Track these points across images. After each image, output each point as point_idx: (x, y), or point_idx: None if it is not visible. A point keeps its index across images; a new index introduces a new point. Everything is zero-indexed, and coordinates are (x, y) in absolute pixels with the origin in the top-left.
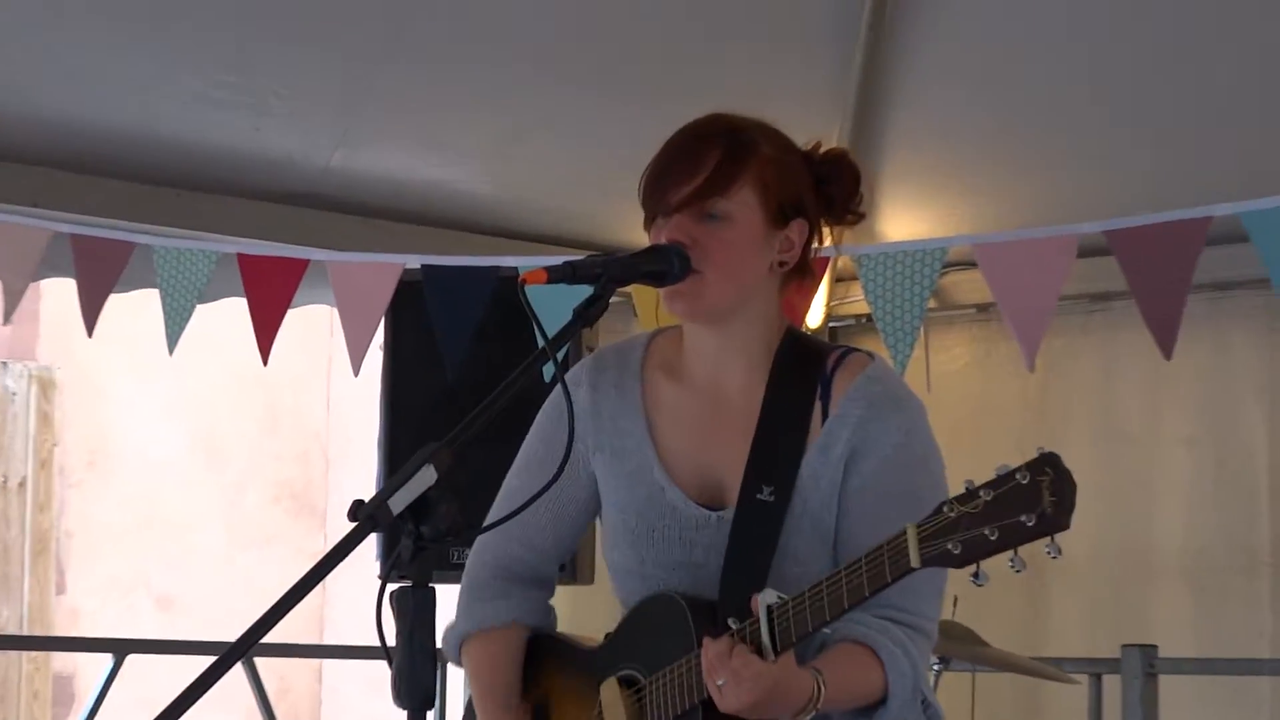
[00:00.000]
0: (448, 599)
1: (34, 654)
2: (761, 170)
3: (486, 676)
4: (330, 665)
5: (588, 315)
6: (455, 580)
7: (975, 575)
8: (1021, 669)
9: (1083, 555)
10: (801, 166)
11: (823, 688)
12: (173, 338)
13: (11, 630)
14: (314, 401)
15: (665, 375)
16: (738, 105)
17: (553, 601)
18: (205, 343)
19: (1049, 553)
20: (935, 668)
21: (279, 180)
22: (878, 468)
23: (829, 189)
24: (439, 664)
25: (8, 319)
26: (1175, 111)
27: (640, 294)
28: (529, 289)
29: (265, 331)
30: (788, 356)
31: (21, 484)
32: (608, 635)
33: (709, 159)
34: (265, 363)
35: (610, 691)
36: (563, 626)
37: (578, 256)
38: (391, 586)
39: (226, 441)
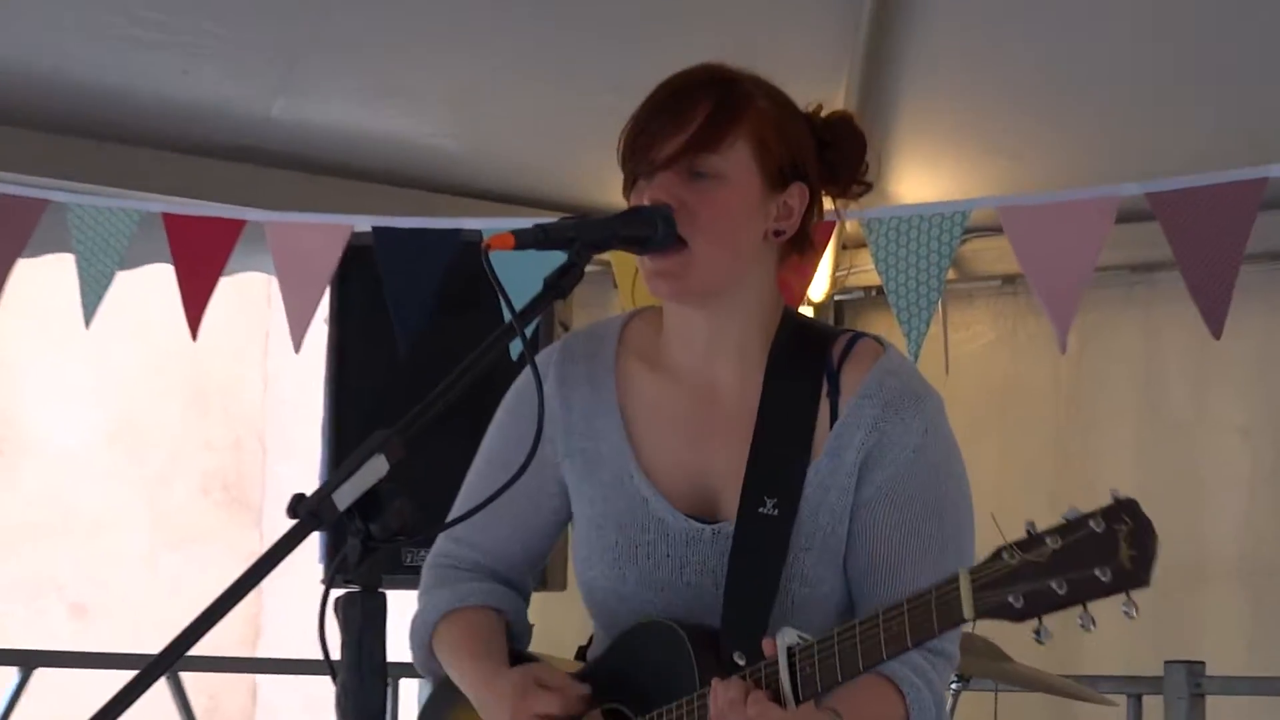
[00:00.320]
0: (400, 606)
1: None
2: (758, 124)
3: (473, 644)
4: (266, 681)
5: (560, 286)
6: (409, 585)
7: (1037, 633)
8: (1051, 688)
9: None
10: (803, 124)
11: None
12: (89, 309)
13: None
14: (249, 381)
15: (644, 365)
16: (734, 45)
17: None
18: (126, 315)
19: (1125, 612)
20: (954, 686)
21: (211, 131)
22: (895, 474)
23: (831, 155)
24: (389, 680)
25: None
26: (1229, 62)
27: (620, 262)
28: (494, 255)
29: (194, 302)
30: (786, 343)
31: None
32: (584, 655)
33: (699, 110)
34: (194, 337)
35: None
36: (532, 638)
37: (549, 219)
38: (336, 592)
39: (149, 427)
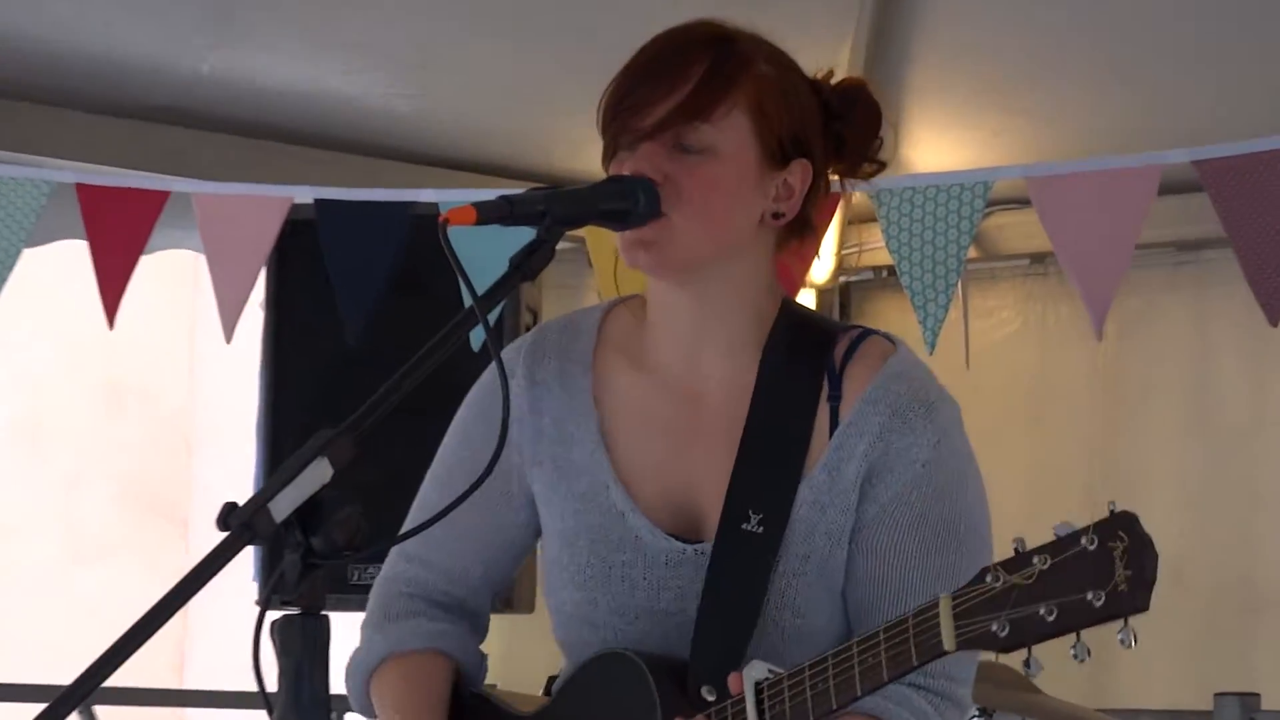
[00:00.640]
0: (346, 631)
1: None
2: (757, 91)
3: (408, 701)
4: (193, 716)
5: (527, 266)
6: (356, 607)
7: (1026, 664)
8: None
9: (1165, 579)
10: (809, 92)
11: None
12: None
13: None
14: (174, 374)
15: (625, 361)
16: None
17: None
18: (33, 298)
19: (1121, 640)
20: None
21: (134, 90)
22: (901, 492)
23: (840, 128)
24: (332, 714)
25: None
26: None
27: (595, 240)
28: (452, 231)
29: (111, 284)
30: (784, 339)
31: None
32: (550, 688)
33: (690, 73)
34: (111, 324)
35: None
36: (497, 665)
37: (516, 190)
38: (273, 614)
39: (59, 425)
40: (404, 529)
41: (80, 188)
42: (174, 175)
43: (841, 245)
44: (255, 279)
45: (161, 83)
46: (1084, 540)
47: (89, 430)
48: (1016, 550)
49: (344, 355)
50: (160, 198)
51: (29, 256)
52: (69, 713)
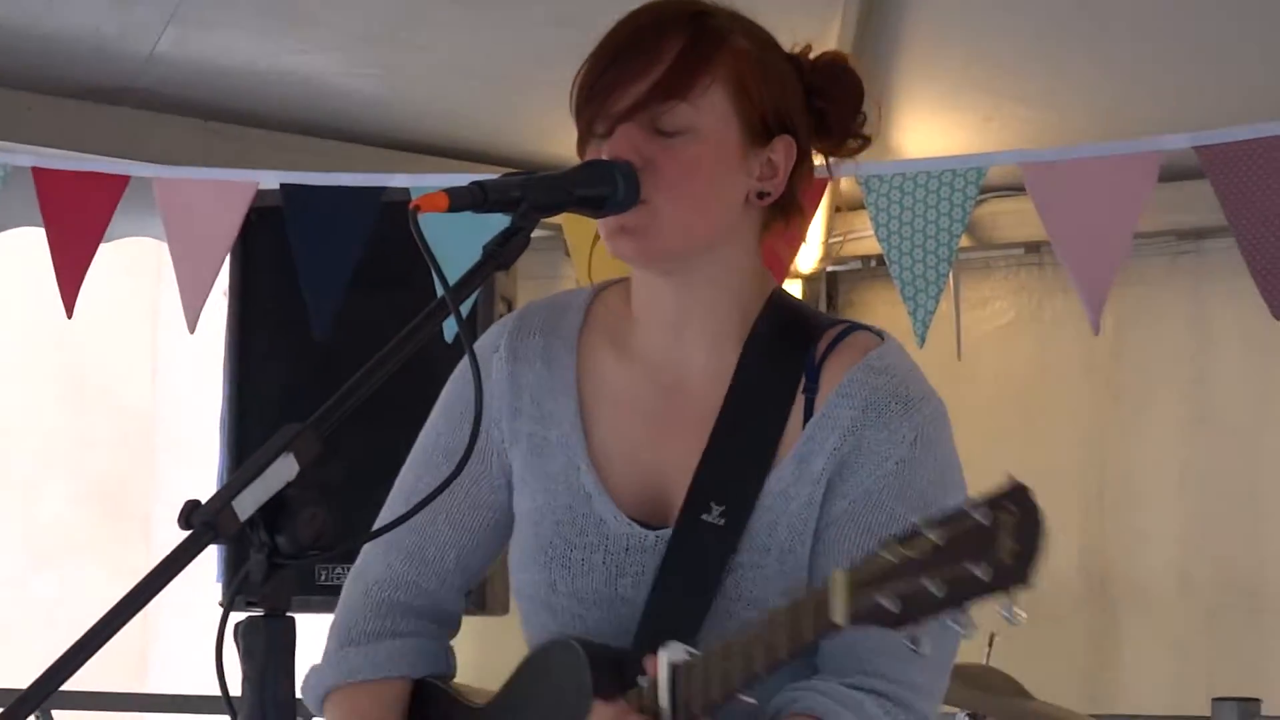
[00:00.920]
0: (312, 632)
1: None
2: (736, 66)
3: None
4: None
5: (502, 255)
6: (324, 609)
7: (914, 642)
8: None
9: (1165, 581)
10: (788, 67)
11: None
12: None
13: None
14: (135, 368)
15: (610, 345)
16: None
17: (455, 639)
18: None
19: (1005, 616)
20: None
21: (87, 70)
22: (870, 490)
23: (821, 104)
24: (298, 718)
25: None
26: None
27: (573, 227)
28: (423, 218)
29: (70, 272)
30: (768, 328)
31: None
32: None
33: (665, 51)
34: (69, 315)
35: None
36: (469, 668)
37: (489, 175)
38: (237, 616)
39: (17, 424)
40: (383, 512)
41: (37, 172)
42: (133, 159)
43: (829, 233)
44: (219, 267)
45: (116, 62)
46: (976, 514)
47: (48, 427)
48: (914, 526)
49: (311, 347)
50: (120, 182)
51: None
52: (26, 717)
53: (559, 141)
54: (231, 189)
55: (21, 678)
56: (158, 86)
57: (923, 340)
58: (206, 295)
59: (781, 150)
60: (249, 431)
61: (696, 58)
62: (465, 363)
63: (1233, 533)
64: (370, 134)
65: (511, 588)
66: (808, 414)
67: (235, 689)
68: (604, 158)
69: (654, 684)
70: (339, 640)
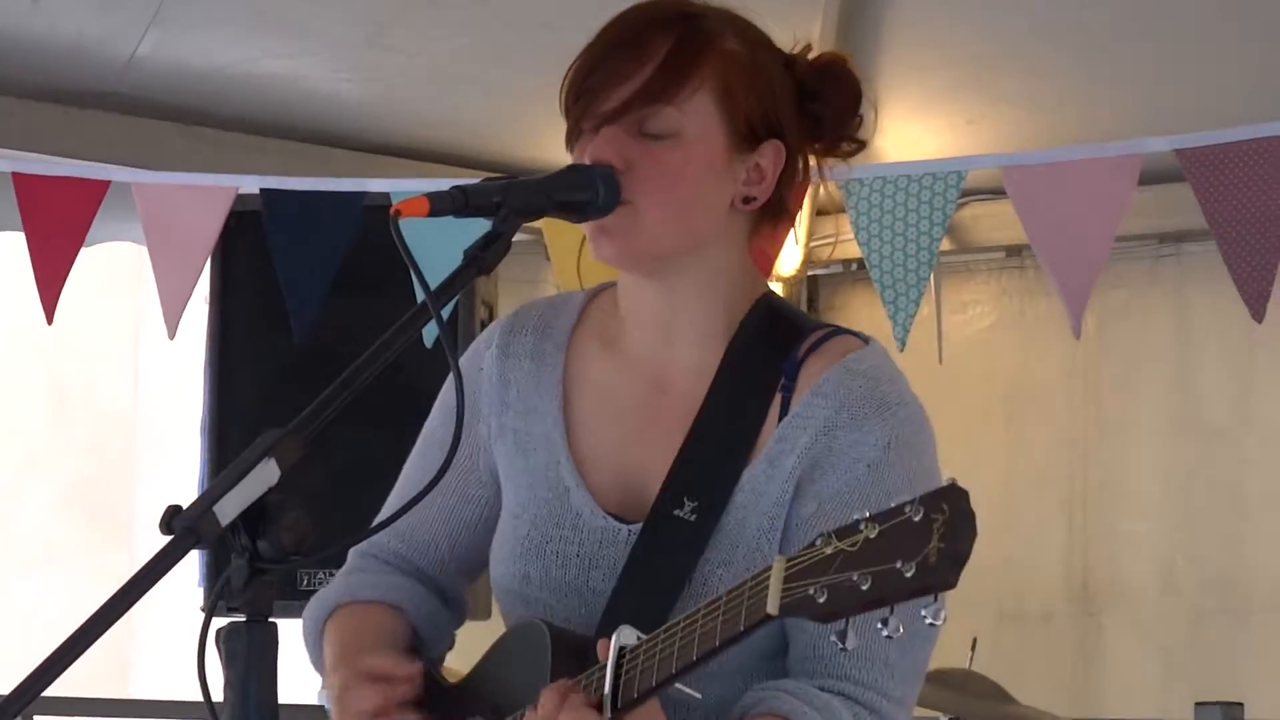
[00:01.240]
0: (295, 637)
1: None
2: (724, 70)
3: (355, 638)
4: None
5: (483, 259)
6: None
7: (841, 637)
8: None
9: (1149, 584)
10: (780, 71)
11: None
12: None
13: None
14: (116, 373)
15: (600, 346)
16: None
17: None
18: None
19: (926, 619)
20: None
21: (67, 74)
22: (839, 491)
23: (816, 106)
24: None
25: None
26: (1276, 3)
27: (554, 232)
28: (404, 223)
29: (50, 278)
30: (753, 329)
31: None
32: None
33: (653, 52)
34: (50, 320)
35: None
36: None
37: (470, 180)
38: (219, 622)
39: None
40: (390, 499)
41: (17, 177)
42: (113, 164)
43: (809, 237)
44: (200, 273)
45: (97, 67)
46: (908, 510)
47: (28, 433)
48: (853, 520)
49: (292, 352)
50: (100, 187)
51: None
52: None
53: (540, 146)
54: (212, 193)
55: (3, 684)
56: (138, 91)
57: (904, 344)
58: (187, 300)
59: (770, 155)
60: (230, 437)
61: (683, 61)
62: (466, 357)
63: (1216, 535)
64: (351, 138)
65: (492, 581)
66: (783, 412)
67: (218, 694)
68: (587, 160)
69: (601, 667)
70: (339, 577)
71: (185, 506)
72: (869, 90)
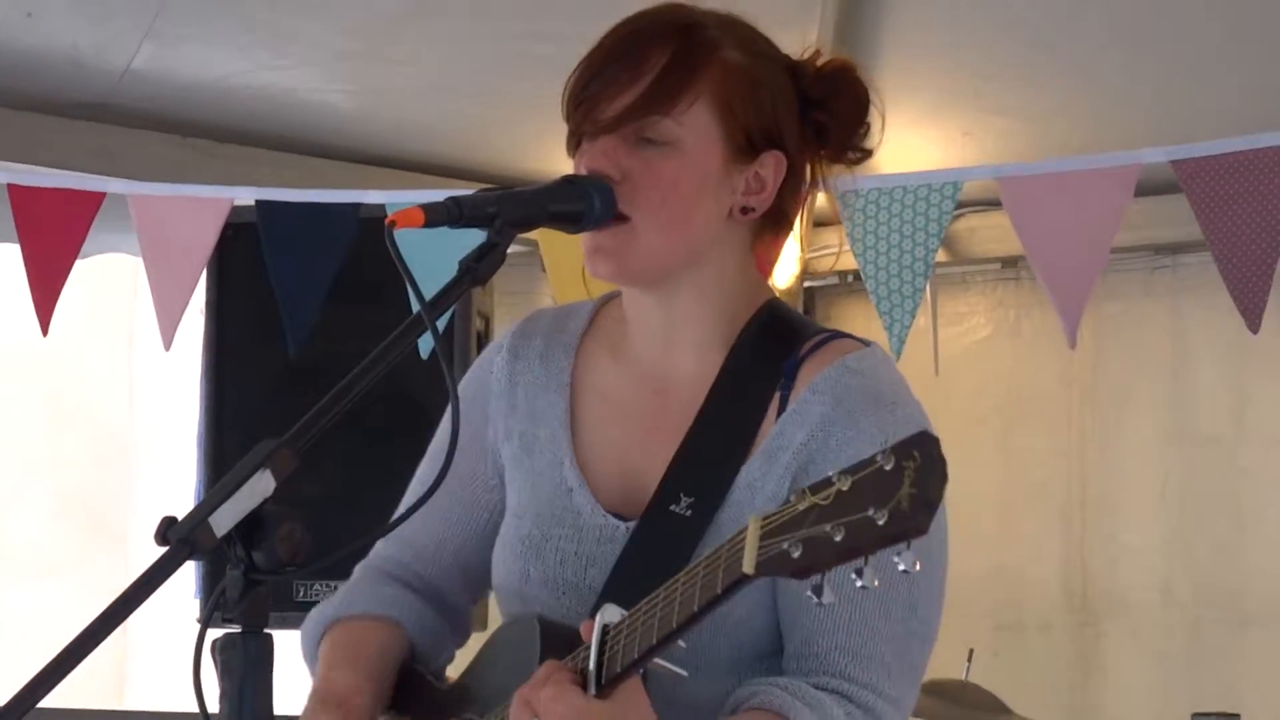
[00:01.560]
0: (290, 649)
1: None
2: (722, 81)
3: (350, 651)
4: None
5: (478, 271)
6: (300, 625)
7: (818, 592)
8: None
9: (1146, 594)
10: (784, 79)
11: None
12: None
13: None
14: (112, 385)
15: (608, 351)
16: None
17: None
18: None
19: (900, 565)
20: None
21: (63, 86)
22: None
23: (821, 115)
24: None
25: None
26: (1267, 11)
27: (549, 243)
28: (399, 234)
29: (45, 289)
30: (755, 334)
31: None
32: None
33: (652, 62)
34: (45, 332)
35: None
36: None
37: (465, 191)
38: (214, 633)
39: None
40: (401, 504)
41: (12, 188)
42: (108, 175)
43: (805, 248)
44: (195, 284)
45: (92, 78)
46: (880, 459)
47: (23, 444)
48: (826, 476)
49: (288, 364)
50: (96, 199)
51: None
52: None
53: (536, 157)
54: (207, 205)
55: None
56: (133, 102)
57: (899, 355)
58: (182, 312)
59: (770, 165)
60: (226, 447)
61: (681, 72)
62: (477, 363)
63: (1213, 545)
64: (346, 150)
65: (493, 583)
66: (781, 410)
67: (213, 705)
68: (583, 169)
69: (586, 646)
70: (341, 591)
71: (181, 518)
72: (873, 98)
